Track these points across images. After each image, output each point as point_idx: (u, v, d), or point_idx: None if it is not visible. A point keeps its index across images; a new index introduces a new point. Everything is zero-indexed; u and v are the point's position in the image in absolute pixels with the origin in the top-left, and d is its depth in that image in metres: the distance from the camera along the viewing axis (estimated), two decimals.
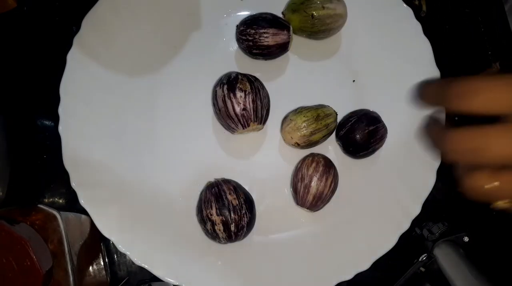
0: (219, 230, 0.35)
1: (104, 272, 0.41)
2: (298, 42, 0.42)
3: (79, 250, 0.37)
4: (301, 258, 0.38)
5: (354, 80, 0.42)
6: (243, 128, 0.37)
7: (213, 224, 0.35)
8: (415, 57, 0.42)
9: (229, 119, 0.37)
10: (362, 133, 0.38)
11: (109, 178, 0.38)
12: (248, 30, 0.38)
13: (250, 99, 0.36)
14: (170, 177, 0.40)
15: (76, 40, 0.39)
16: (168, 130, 0.41)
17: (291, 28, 0.39)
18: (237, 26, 0.40)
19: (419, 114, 0.37)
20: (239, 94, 0.36)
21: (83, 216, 0.40)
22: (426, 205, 0.39)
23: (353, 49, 0.43)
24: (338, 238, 0.39)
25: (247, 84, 0.37)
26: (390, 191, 0.40)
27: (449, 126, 0.23)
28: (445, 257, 0.40)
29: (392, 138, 0.40)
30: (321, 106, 0.39)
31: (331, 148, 0.41)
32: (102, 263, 0.41)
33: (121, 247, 0.37)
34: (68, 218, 0.37)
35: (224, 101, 0.36)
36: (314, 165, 0.37)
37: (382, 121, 0.39)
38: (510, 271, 0.42)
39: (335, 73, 0.43)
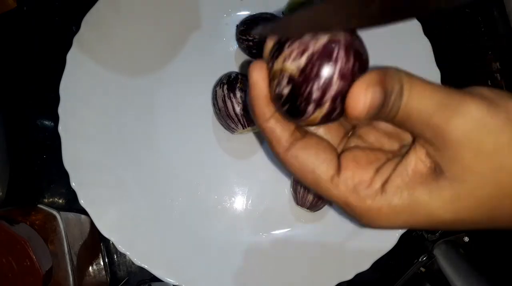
0: None
1: (104, 272, 0.41)
2: None
3: (79, 250, 0.37)
4: (301, 258, 0.38)
5: None
6: (243, 128, 0.37)
7: None
8: (415, 57, 0.42)
9: (229, 119, 0.37)
10: None
11: (109, 178, 0.38)
12: (248, 30, 0.38)
13: None
14: (170, 177, 0.40)
15: (76, 40, 0.39)
16: (168, 130, 0.41)
17: None
18: (237, 26, 0.40)
19: None
20: (239, 94, 0.36)
21: (83, 216, 0.40)
22: None
23: None
24: (338, 238, 0.39)
25: (247, 84, 0.37)
26: None
27: None
28: (445, 257, 0.40)
29: None
30: None
31: None
32: (102, 263, 0.41)
33: (121, 247, 0.36)
34: (68, 218, 0.37)
35: (224, 101, 0.36)
36: None
37: None
38: (510, 271, 0.42)
39: None
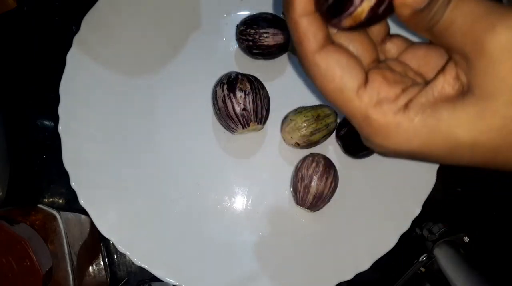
0: None
1: (104, 272, 0.41)
2: None
3: (79, 250, 0.37)
4: (301, 258, 0.38)
5: None
6: (243, 128, 0.37)
7: None
8: None
9: (229, 119, 0.37)
10: None
11: (109, 178, 0.38)
12: (248, 30, 0.38)
13: (250, 99, 0.36)
14: (170, 177, 0.40)
15: (76, 40, 0.39)
16: (168, 130, 0.41)
17: None
18: (237, 26, 0.40)
19: None
20: (239, 94, 0.36)
21: (83, 216, 0.40)
22: (426, 205, 0.39)
23: None
24: (338, 238, 0.39)
25: (247, 84, 0.37)
26: (390, 191, 0.40)
27: None
28: (445, 257, 0.40)
29: None
30: (321, 106, 0.39)
31: (331, 148, 0.41)
32: (102, 263, 0.41)
33: (121, 247, 0.37)
34: (68, 218, 0.37)
35: (224, 101, 0.36)
36: (314, 165, 0.37)
37: None
38: (510, 271, 0.42)
39: None
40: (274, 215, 0.40)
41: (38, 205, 0.37)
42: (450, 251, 0.41)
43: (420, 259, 0.42)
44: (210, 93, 0.40)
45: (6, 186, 0.40)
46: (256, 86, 0.37)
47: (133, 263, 0.38)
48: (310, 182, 0.37)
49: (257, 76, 0.38)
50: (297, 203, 0.38)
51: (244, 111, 0.36)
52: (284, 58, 0.42)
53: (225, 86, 0.37)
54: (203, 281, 0.37)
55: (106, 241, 0.42)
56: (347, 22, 0.19)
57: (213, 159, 0.40)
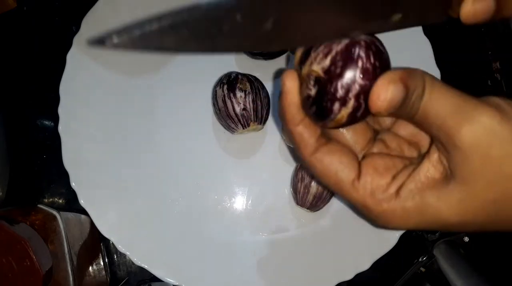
0: None
1: (104, 272, 0.41)
2: None
3: (79, 250, 0.37)
4: (301, 258, 0.38)
5: None
6: (243, 128, 0.37)
7: None
8: (415, 57, 0.42)
9: (229, 119, 0.37)
10: None
11: (109, 178, 0.38)
12: None
13: (250, 99, 0.36)
14: (170, 177, 0.40)
15: (76, 40, 0.39)
16: (168, 130, 0.40)
17: None
18: None
19: None
20: (239, 94, 0.36)
21: (83, 216, 0.40)
22: None
23: None
24: (338, 238, 0.39)
25: (247, 84, 0.37)
26: None
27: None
28: (445, 257, 0.40)
29: None
30: None
31: None
32: (102, 263, 0.41)
33: (121, 247, 0.37)
34: (68, 218, 0.37)
35: (224, 101, 0.36)
36: None
37: None
38: (510, 271, 0.42)
39: None
40: (274, 215, 0.40)
41: (38, 205, 0.37)
42: (450, 251, 0.41)
43: (420, 259, 0.42)
44: (210, 93, 0.40)
45: (6, 186, 0.40)
46: (256, 86, 0.37)
47: (133, 263, 0.38)
48: (310, 182, 0.37)
49: (257, 76, 0.38)
50: (297, 203, 0.38)
51: (244, 111, 0.36)
52: (284, 58, 0.42)
53: (225, 86, 0.37)
54: (203, 281, 0.37)
55: (106, 241, 0.42)
56: (331, 125, 0.21)
57: (213, 159, 0.40)
